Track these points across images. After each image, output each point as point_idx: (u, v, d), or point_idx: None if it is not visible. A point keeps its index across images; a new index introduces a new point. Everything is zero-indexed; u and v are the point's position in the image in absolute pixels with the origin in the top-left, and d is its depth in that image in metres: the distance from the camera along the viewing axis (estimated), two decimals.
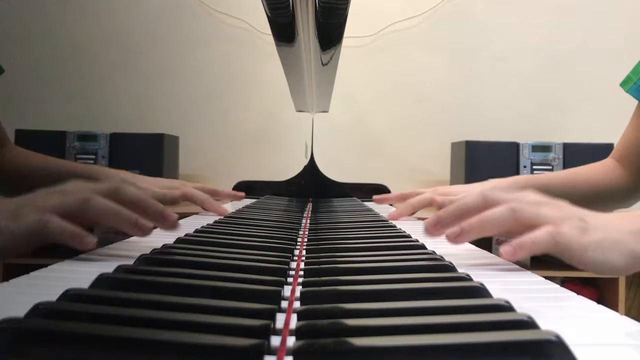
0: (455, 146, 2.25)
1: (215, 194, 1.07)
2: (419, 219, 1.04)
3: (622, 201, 1.07)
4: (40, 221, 0.50)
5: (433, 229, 0.59)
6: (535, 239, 0.51)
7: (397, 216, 0.98)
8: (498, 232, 0.55)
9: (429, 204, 0.97)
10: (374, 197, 1.11)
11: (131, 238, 0.66)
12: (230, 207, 1.14)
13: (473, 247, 0.68)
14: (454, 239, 0.56)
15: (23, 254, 0.50)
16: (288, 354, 0.27)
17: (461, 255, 0.60)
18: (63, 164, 1.08)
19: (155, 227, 0.58)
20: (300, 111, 1.58)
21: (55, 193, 0.54)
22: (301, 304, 0.35)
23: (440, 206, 0.93)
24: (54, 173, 1.03)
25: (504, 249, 0.52)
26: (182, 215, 0.99)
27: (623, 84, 1.06)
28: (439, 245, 0.64)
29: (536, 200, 0.56)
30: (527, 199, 0.56)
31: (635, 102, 1.04)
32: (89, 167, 1.07)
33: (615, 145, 1.10)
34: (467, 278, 0.40)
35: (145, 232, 0.55)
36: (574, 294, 0.42)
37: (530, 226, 0.53)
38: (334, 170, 1.57)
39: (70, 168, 1.06)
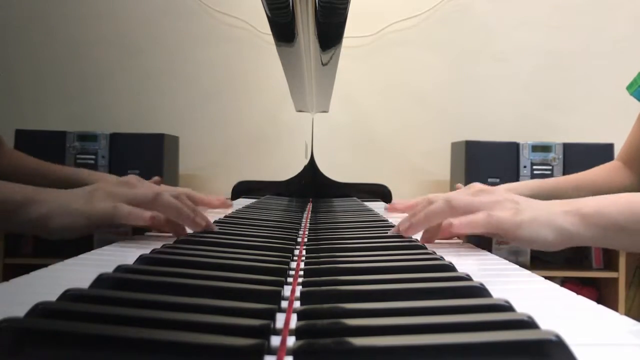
0: (455, 146, 2.25)
1: (201, 204, 1.06)
2: None
3: None
4: (113, 207, 0.61)
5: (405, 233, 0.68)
6: (473, 218, 0.61)
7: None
8: (440, 220, 0.64)
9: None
10: (388, 206, 1.09)
11: (131, 238, 0.66)
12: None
13: (472, 246, 0.68)
14: (405, 231, 0.66)
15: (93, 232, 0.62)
16: (288, 353, 0.27)
17: (461, 255, 0.60)
18: (56, 170, 1.08)
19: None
20: (300, 111, 1.58)
21: (123, 184, 0.66)
22: (301, 304, 0.35)
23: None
24: (50, 178, 1.03)
25: (444, 226, 0.62)
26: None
27: (628, 88, 1.07)
28: (439, 246, 0.64)
29: (476, 190, 0.67)
30: (467, 191, 0.67)
31: (637, 103, 1.04)
32: (80, 172, 1.07)
33: (620, 147, 1.10)
34: (467, 278, 0.40)
35: (199, 228, 0.65)
36: (573, 294, 0.42)
37: (468, 213, 0.62)
38: (334, 170, 1.57)
39: (64, 173, 1.06)
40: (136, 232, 0.73)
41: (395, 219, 1.00)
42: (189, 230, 0.67)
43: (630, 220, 0.60)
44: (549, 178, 1.10)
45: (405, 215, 0.99)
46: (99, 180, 1.02)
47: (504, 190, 0.67)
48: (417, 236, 0.68)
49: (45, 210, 0.61)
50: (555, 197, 1.01)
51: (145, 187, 0.67)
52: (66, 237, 0.61)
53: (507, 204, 0.62)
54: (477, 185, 0.70)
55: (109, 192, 0.64)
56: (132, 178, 0.69)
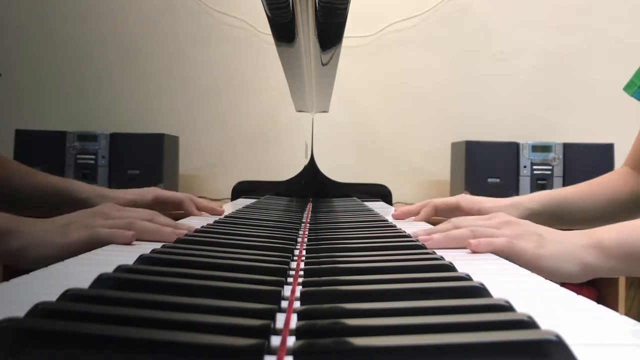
0: (455, 146, 2.25)
1: (204, 209, 1.06)
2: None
3: None
4: (89, 234, 0.62)
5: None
6: (493, 242, 0.61)
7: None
8: (458, 246, 0.64)
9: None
10: (394, 214, 1.07)
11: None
12: (230, 207, 1.14)
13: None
14: (423, 242, 0.65)
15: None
16: (288, 353, 0.27)
17: (461, 256, 0.60)
18: (37, 177, 1.05)
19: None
20: (300, 111, 1.58)
21: (97, 215, 0.67)
22: (301, 304, 0.35)
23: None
24: (31, 183, 1.02)
25: (470, 243, 0.62)
26: (182, 216, 0.99)
27: (626, 88, 1.05)
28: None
29: (501, 221, 0.67)
30: (491, 221, 0.67)
31: (638, 106, 1.03)
32: (63, 182, 1.05)
33: (620, 148, 1.09)
34: (467, 278, 0.40)
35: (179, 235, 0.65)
36: (573, 294, 0.42)
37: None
38: (334, 170, 1.57)
39: (46, 181, 1.04)
40: None
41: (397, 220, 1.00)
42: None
43: None
44: (557, 189, 1.08)
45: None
46: (82, 191, 1.02)
47: (529, 222, 0.67)
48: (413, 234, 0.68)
49: (24, 242, 0.62)
50: (564, 209, 1.01)
51: (119, 216, 0.68)
52: (42, 266, 0.62)
53: (531, 237, 0.63)
54: (501, 216, 0.69)
55: (84, 224, 0.64)
56: (106, 207, 0.70)
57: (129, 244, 0.62)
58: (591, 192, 1.04)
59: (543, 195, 1.04)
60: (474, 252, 0.61)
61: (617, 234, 0.63)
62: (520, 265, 0.59)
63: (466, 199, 1.01)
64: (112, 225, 0.64)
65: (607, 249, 0.61)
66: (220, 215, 0.98)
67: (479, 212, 0.65)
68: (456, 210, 0.98)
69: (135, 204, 0.96)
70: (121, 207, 0.71)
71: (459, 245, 0.64)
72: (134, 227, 0.64)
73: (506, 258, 0.61)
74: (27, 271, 0.44)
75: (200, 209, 1.03)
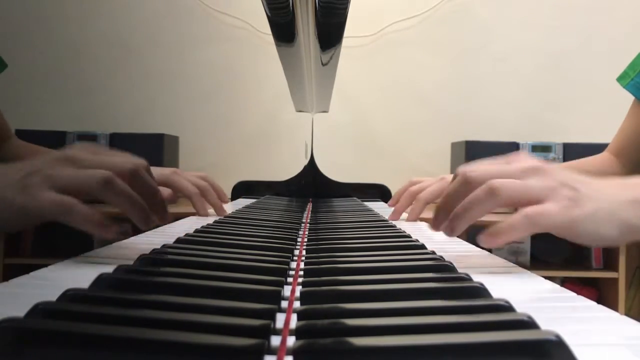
0: (455, 146, 2.25)
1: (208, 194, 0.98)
2: (421, 220, 1.03)
3: None
4: (61, 204, 0.47)
5: (435, 229, 0.58)
6: (512, 226, 0.49)
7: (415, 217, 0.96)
8: (487, 213, 0.52)
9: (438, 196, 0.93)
10: (390, 217, 1.05)
11: (131, 238, 0.66)
12: (230, 207, 1.14)
13: (473, 247, 0.68)
14: (450, 234, 0.55)
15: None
16: (288, 353, 0.27)
17: (461, 256, 0.60)
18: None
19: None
20: (300, 111, 1.58)
21: (67, 161, 0.51)
22: (301, 304, 0.35)
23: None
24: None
25: (480, 237, 0.51)
26: (182, 216, 0.99)
27: (620, 79, 1.05)
28: (438, 246, 0.64)
29: (522, 168, 0.52)
30: (511, 169, 0.53)
31: (632, 97, 1.04)
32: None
33: (611, 139, 1.10)
34: (467, 278, 0.40)
35: (149, 227, 0.53)
36: (574, 294, 0.42)
37: (517, 201, 0.51)
38: (334, 170, 1.57)
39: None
40: (136, 232, 0.73)
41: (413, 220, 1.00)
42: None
43: None
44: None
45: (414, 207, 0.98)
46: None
47: (561, 170, 0.53)
48: (417, 236, 0.68)
49: None
50: None
51: (95, 165, 0.51)
52: (5, 231, 0.49)
53: (563, 191, 0.50)
54: (522, 159, 0.54)
55: (47, 175, 0.49)
56: (78, 151, 0.53)
57: (106, 238, 0.51)
58: (571, 168, 1.03)
59: None
60: (490, 247, 0.52)
61: None
62: (550, 232, 0.50)
63: (446, 180, 0.97)
64: (79, 179, 0.49)
65: None
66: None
67: (520, 192, 0.51)
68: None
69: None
70: (97, 150, 0.55)
71: (486, 211, 0.51)
72: (109, 187, 0.50)
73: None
74: (29, 269, 0.44)
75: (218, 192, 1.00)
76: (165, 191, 0.86)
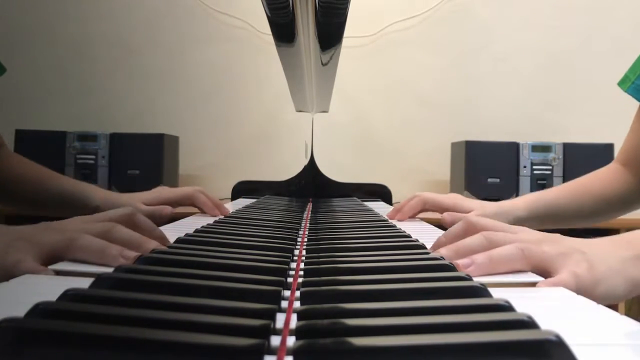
0: (455, 146, 2.25)
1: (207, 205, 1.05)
2: (422, 219, 1.03)
3: (632, 206, 1.05)
4: (18, 261, 0.48)
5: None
6: (556, 281, 0.50)
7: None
8: (509, 270, 0.53)
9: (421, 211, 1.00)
10: (388, 215, 1.05)
11: None
12: (230, 207, 1.14)
13: None
14: (473, 274, 0.51)
15: None
16: (288, 353, 0.27)
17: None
18: (54, 181, 1.04)
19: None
20: (300, 111, 1.58)
21: (44, 231, 0.53)
22: (301, 304, 0.35)
23: (449, 225, 0.84)
24: (47, 187, 1.02)
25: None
26: (182, 215, 0.99)
27: (621, 84, 1.04)
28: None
29: (536, 238, 0.56)
30: (528, 237, 0.56)
31: (635, 101, 1.03)
32: (79, 186, 1.04)
33: (619, 149, 1.09)
34: (467, 278, 0.40)
35: (129, 261, 0.51)
36: (574, 294, 0.42)
37: (537, 265, 0.52)
38: (333, 170, 1.57)
39: (62, 186, 1.03)
40: None
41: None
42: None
43: None
44: (546, 189, 1.06)
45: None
46: (93, 197, 1.00)
47: (564, 237, 0.57)
48: (417, 236, 0.68)
49: None
50: (552, 212, 0.99)
51: (63, 231, 0.54)
52: None
53: (576, 255, 0.53)
54: (532, 232, 0.58)
55: (33, 242, 0.51)
56: (67, 221, 0.57)
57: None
58: (579, 191, 1.03)
59: (528, 200, 1.01)
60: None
61: None
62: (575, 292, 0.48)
63: (451, 198, 1.01)
64: (50, 244, 0.51)
65: None
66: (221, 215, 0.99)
67: (543, 257, 0.52)
68: (443, 209, 0.98)
69: (152, 217, 0.92)
70: (86, 219, 0.58)
71: (508, 268, 0.52)
72: (75, 245, 0.51)
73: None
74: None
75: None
76: (165, 209, 1.00)
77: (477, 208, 0.97)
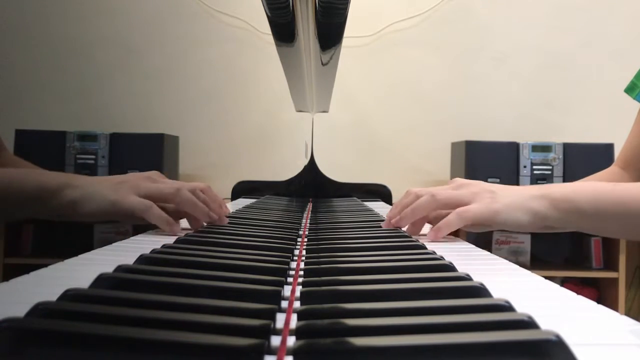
0: (455, 146, 2.25)
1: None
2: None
3: None
4: (143, 204, 0.67)
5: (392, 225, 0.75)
6: (447, 222, 0.67)
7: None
8: (426, 213, 0.71)
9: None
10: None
11: (131, 238, 0.66)
12: (230, 207, 1.14)
13: (473, 246, 0.68)
14: (396, 223, 0.73)
15: (113, 221, 0.70)
16: (288, 353, 0.27)
17: (461, 255, 0.60)
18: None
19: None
20: (300, 111, 1.58)
21: (147, 179, 0.71)
22: (301, 304, 0.35)
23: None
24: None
25: (428, 234, 0.68)
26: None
27: (628, 91, 1.04)
28: (439, 246, 0.64)
29: (457, 184, 0.72)
30: (449, 186, 0.73)
31: (637, 107, 1.03)
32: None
33: (619, 151, 1.08)
34: (467, 278, 0.40)
35: (211, 220, 0.72)
36: (573, 294, 0.42)
37: (450, 205, 0.69)
38: (334, 170, 1.57)
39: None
40: (136, 232, 0.73)
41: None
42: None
43: (593, 207, 0.65)
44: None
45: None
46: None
47: (481, 182, 0.72)
48: (417, 236, 0.68)
49: (77, 195, 0.66)
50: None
51: (166, 183, 0.72)
52: (91, 222, 0.67)
53: (484, 194, 0.68)
54: (458, 180, 0.75)
55: (134, 185, 0.69)
56: (153, 174, 0.74)
57: (173, 234, 0.66)
58: None
59: None
60: (434, 240, 0.67)
61: (565, 189, 0.67)
62: (480, 224, 0.67)
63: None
64: (159, 189, 0.69)
65: (554, 200, 0.66)
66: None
67: (452, 198, 0.71)
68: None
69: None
70: (166, 178, 0.76)
71: (426, 212, 0.71)
72: (179, 195, 0.69)
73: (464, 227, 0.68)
74: (29, 269, 0.44)
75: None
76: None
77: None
